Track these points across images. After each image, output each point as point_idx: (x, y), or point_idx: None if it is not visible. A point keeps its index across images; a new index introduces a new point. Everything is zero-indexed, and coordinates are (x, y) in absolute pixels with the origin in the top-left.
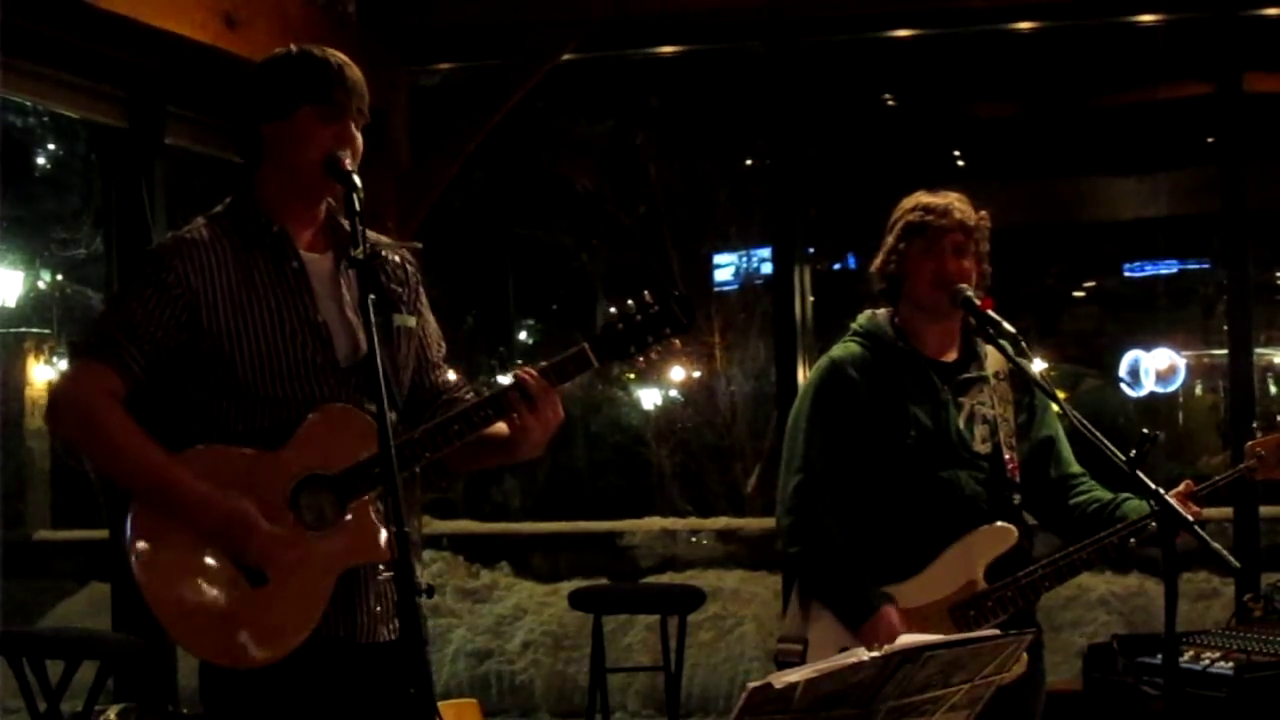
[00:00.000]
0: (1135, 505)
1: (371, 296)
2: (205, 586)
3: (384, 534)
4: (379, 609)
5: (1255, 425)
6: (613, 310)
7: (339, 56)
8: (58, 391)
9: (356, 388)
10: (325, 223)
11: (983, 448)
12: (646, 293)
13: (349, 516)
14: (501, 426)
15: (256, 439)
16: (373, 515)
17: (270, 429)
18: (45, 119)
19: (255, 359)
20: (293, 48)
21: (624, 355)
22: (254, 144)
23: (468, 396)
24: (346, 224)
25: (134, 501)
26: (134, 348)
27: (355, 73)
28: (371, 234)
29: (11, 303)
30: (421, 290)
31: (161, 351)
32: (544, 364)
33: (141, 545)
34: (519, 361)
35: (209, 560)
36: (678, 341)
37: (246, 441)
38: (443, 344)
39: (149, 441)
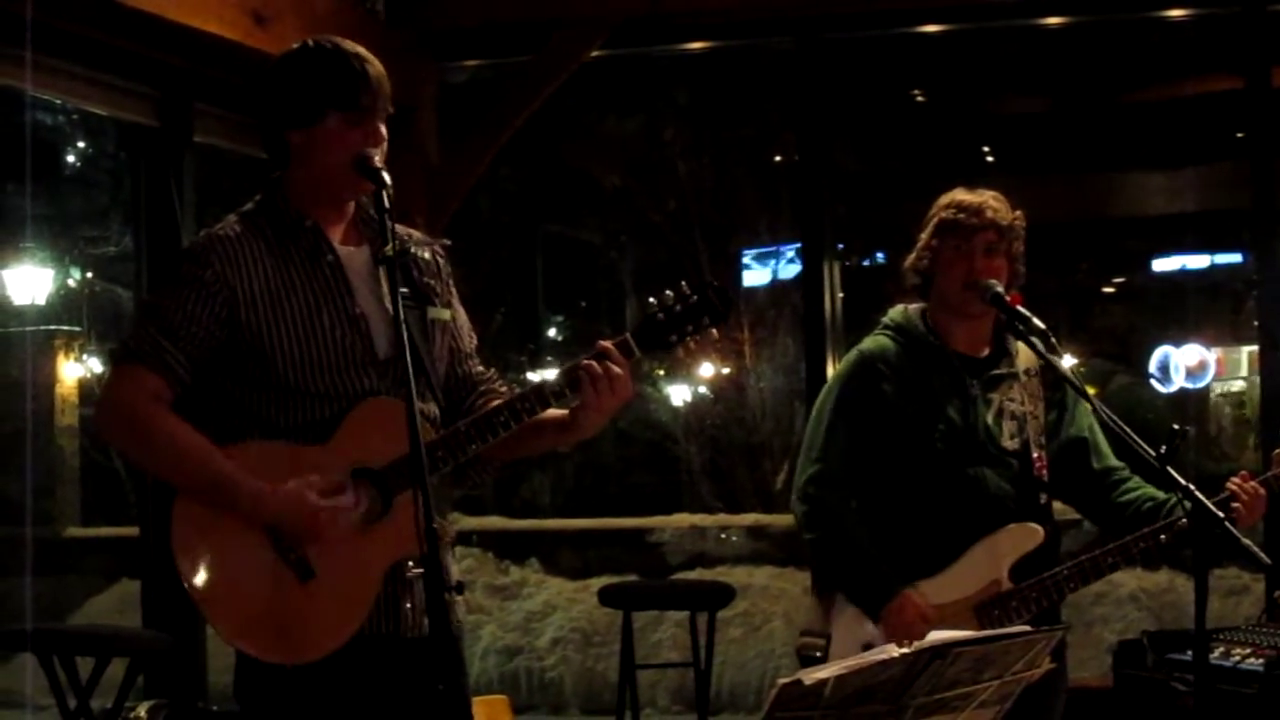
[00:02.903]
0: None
1: (404, 290)
2: (252, 582)
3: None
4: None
5: None
6: (651, 300)
7: (360, 52)
8: (104, 400)
9: (397, 380)
10: (356, 216)
11: (1011, 444)
12: (684, 283)
13: (396, 510)
14: (553, 411)
15: (299, 433)
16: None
17: (312, 423)
18: (74, 117)
19: (294, 354)
20: (310, 42)
21: (664, 346)
22: (280, 148)
23: (501, 388)
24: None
25: (178, 497)
26: (176, 349)
27: (377, 68)
28: (401, 228)
29: (41, 301)
30: (452, 284)
31: (204, 351)
32: (593, 353)
33: (187, 542)
34: (548, 358)
35: (256, 556)
36: (715, 332)
37: (289, 436)
38: (473, 336)
39: (200, 442)
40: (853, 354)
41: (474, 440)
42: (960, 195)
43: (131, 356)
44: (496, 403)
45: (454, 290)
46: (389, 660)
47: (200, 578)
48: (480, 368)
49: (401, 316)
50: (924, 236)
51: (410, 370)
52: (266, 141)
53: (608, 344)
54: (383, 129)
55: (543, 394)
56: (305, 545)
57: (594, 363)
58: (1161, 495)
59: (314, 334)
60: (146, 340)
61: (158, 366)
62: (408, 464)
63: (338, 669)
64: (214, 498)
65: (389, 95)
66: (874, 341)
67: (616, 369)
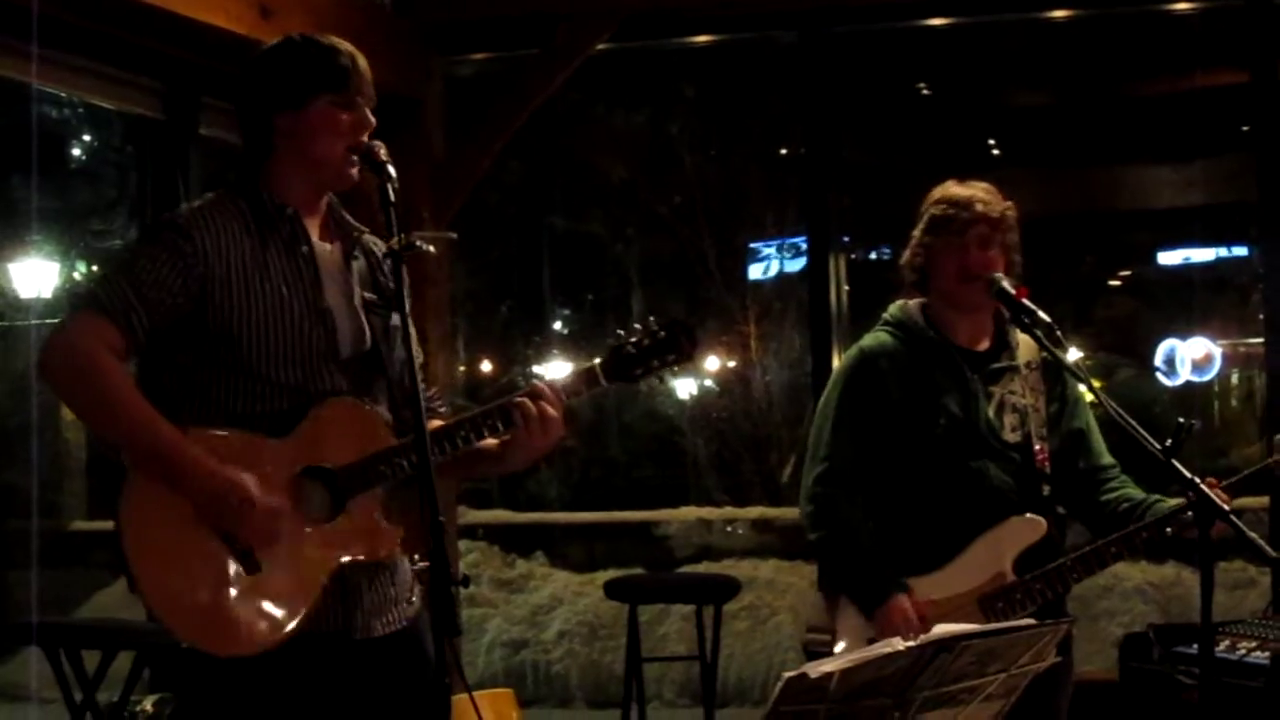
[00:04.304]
0: (1165, 508)
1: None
2: (197, 570)
3: (384, 531)
4: (378, 603)
5: None
6: (620, 333)
7: (346, 44)
8: (59, 340)
9: (357, 378)
10: (328, 215)
11: (1012, 437)
12: (653, 320)
13: (348, 512)
14: (490, 439)
15: (259, 422)
16: (372, 512)
17: (274, 414)
18: (80, 110)
19: (261, 340)
20: (295, 36)
21: (630, 379)
22: (264, 133)
23: (440, 409)
24: (351, 217)
25: (129, 477)
26: (141, 309)
27: (363, 60)
28: (368, 236)
29: (47, 294)
30: (407, 292)
31: (166, 318)
32: (555, 380)
33: (135, 523)
34: (554, 351)
35: (203, 544)
36: (678, 368)
37: (248, 424)
38: (420, 350)
39: (150, 406)
40: (853, 351)
41: (435, 450)
42: (950, 190)
43: (98, 306)
44: (459, 416)
45: (408, 299)
46: (343, 659)
47: (144, 561)
48: (422, 383)
49: (406, 309)
50: (917, 233)
51: (417, 375)
52: (248, 129)
53: (542, 385)
54: (371, 116)
55: (507, 413)
56: (232, 529)
57: (528, 401)
58: (1139, 495)
59: (282, 322)
60: (117, 295)
61: (122, 323)
62: (365, 467)
63: (292, 666)
64: (157, 463)
65: (372, 84)
66: (874, 338)
67: (550, 410)
